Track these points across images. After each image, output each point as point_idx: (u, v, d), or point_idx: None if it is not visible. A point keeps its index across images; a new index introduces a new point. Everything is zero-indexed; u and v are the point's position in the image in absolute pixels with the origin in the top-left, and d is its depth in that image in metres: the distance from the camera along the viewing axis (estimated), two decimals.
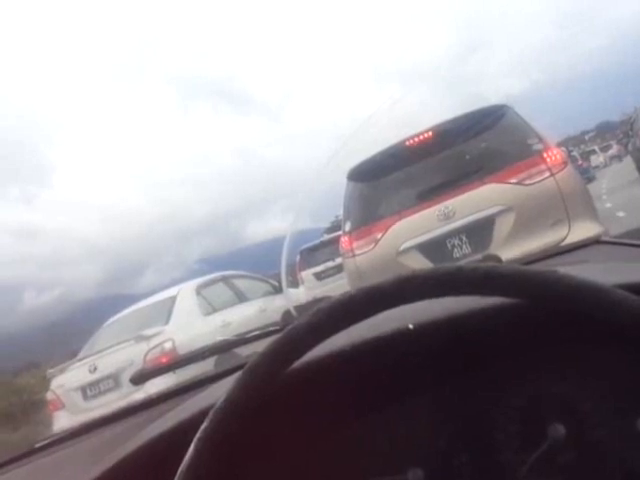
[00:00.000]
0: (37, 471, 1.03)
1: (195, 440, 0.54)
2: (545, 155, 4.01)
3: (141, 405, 1.11)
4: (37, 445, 1.16)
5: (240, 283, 7.52)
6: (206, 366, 1.13)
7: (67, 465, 0.98)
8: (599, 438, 0.66)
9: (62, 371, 6.46)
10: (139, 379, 1.09)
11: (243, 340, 1.00)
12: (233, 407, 0.53)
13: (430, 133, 4.23)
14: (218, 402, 0.54)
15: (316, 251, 11.36)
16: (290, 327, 0.54)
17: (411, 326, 0.67)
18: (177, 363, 1.08)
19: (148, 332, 5.89)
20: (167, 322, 6.11)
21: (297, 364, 0.66)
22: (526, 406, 0.69)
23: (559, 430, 0.66)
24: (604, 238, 0.98)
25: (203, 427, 0.54)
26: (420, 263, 3.92)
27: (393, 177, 4.33)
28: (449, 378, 0.71)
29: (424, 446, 0.71)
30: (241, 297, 7.25)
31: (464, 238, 3.94)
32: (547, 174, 3.92)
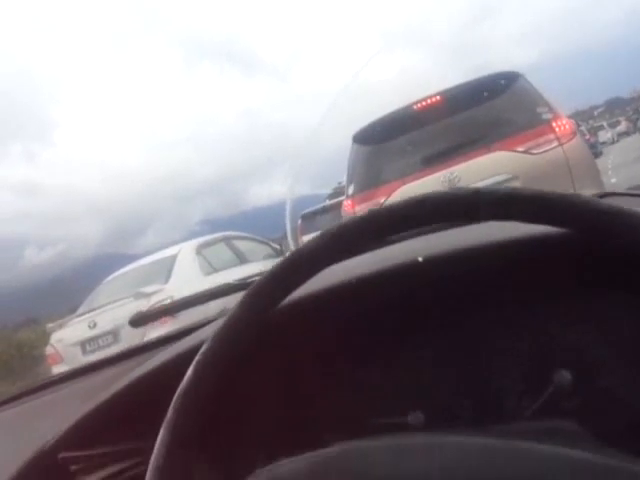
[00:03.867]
0: (31, 410, 1.02)
1: (194, 362, 0.52)
2: (554, 125, 3.95)
3: (139, 349, 1.10)
4: (32, 387, 1.15)
5: (241, 245, 7.51)
6: (208, 312, 1.11)
7: (63, 403, 0.97)
8: (606, 386, 0.65)
9: (62, 326, 6.49)
10: (139, 321, 1.07)
11: (245, 285, 0.98)
12: (235, 330, 0.52)
13: (438, 97, 4.16)
14: (219, 325, 0.52)
15: (318, 216, 11.31)
16: (295, 250, 0.52)
17: (420, 259, 0.65)
18: (178, 306, 1.06)
19: (148, 290, 5.90)
20: (167, 280, 6.12)
21: (298, 296, 0.64)
22: (534, 351, 0.67)
23: (565, 376, 0.65)
24: (615, 190, 0.96)
25: (203, 349, 0.52)
26: None
27: (399, 141, 4.28)
28: (455, 320, 0.70)
29: (426, 390, 0.70)
30: (242, 258, 7.23)
31: None
32: (555, 144, 3.87)
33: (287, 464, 0.46)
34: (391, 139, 4.28)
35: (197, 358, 0.52)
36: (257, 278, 1.06)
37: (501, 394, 0.68)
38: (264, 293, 0.52)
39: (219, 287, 1.02)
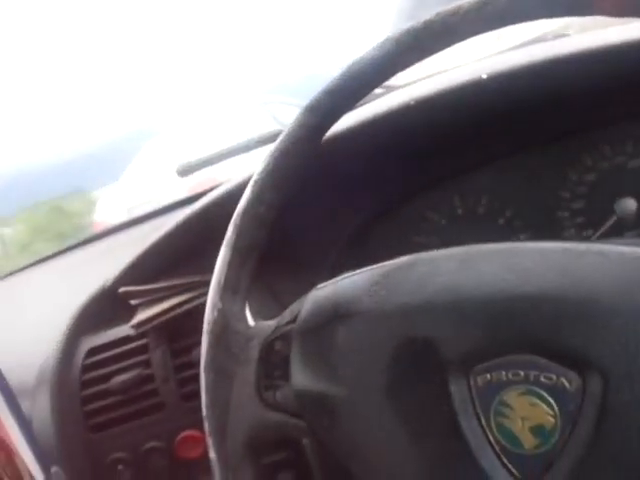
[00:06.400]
0: (89, 256, 1.04)
1: (252, 182, 0.50)
2: None
3: (191, 198, 1.09)
4: (89, 237, 1.16)
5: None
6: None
7: (120, 248, 0.97)
8: None
9: (107, 194, 6.63)
10: (185, 171, 1.04)
11: None
12: (293, 147, 0.48)
13: None
14: (275, 144, 0.49)
15: None
16: (350, 63, 0.47)
17: (485, 76, 0.61)
18: (225, 154, 1.02)
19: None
20: None
21: (353, 120, 0.61)
22: (596, 182, 0.64)
23: (629, 204, 0.62)
24: None
25: (260, 169, 0.49)
26: None
27: None
28: (515, 149, 0.66)
29: (481, 222, 0.69)
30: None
31: None
32: None
33: (350, 276, 0.45)
34: None
35: (254, 178, 0.50)
36: None
37: (561, 227, 0.66)
38: (324, 106, 0.48)
39: (271, 132, 0.96)
